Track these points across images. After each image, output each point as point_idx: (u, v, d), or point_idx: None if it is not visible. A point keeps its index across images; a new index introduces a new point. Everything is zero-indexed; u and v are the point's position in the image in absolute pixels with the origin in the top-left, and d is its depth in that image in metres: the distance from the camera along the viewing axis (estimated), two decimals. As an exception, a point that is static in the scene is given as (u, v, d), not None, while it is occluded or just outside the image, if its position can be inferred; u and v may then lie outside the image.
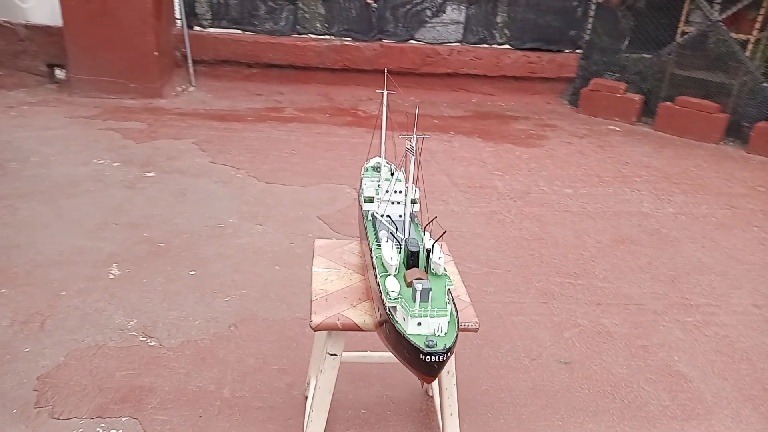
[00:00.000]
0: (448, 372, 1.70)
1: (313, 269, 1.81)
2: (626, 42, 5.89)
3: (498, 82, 6.25)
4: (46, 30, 5.44)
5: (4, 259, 2.83)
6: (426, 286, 1.30)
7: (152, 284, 2.75)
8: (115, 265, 2.88)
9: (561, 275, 3.10)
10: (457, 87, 6.24)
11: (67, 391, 2.08)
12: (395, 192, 1.77)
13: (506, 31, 6.18)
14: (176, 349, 2.35)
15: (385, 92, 2.05)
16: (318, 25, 5.95)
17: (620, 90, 5.81)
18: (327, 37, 5.96)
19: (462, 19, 6.06)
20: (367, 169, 1.98)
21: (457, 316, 1.34)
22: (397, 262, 1.43)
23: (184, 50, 5.74)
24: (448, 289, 1.39)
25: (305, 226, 3.42)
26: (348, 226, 3.44)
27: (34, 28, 5.49)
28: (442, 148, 4.88)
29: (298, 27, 5.91)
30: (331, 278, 1.75)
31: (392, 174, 1.85)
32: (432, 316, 1.26)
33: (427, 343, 1.23)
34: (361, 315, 1.57)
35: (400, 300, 1.30)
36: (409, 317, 1.26)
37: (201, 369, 2.25)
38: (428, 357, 1.20)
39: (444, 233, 1.57)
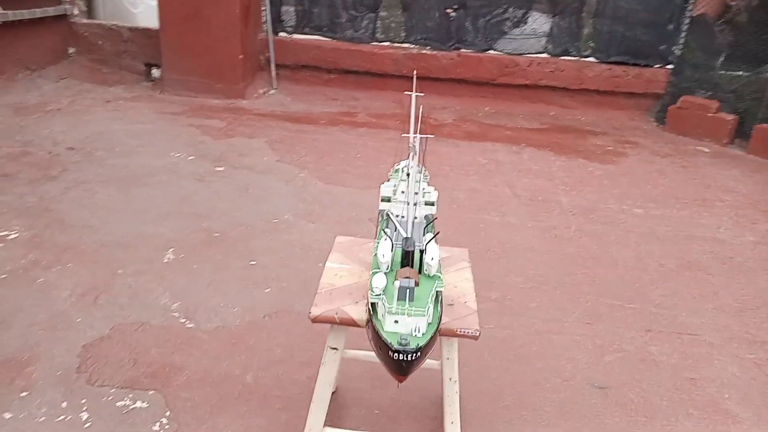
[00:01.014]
0: (450, 379, 1.67)
1: (327, 264, 1.84)
2: (722, 58, 5.50)
3: (579, 96, 6.03)
4: (146, 32, 5.88)
5: (76, 237, 3.09)
6: (407, 285, 1.29)
7: (201, 271, 2.89)
8: (171, 250, 3.05)
9: (613, 297, 2.94)
10: (536, 99, 6.09)
11: (106, 361, 2.24)
12: (414, 193, 1.76)
13: (591, 44, 5.96)
14: (211, 332, 2.46)
15: (414, 95, 2.05)
16: (396, 33, 6.03)
17: (712, 109, 5.42)
18: (404, 45, 6.01)
19: (544, 30, 5.91)
20: (396, 171, 1.98)
21: (440, 319, 1.32)
22: (389, 260, 1.43)
23: (268, 55, 6.00)
24: (437, 292, 1.37)
25: (355, 227, 3.47)
26: (397, 230, 3.45)
27: (136, 30, 5.95)
28: (510, 160, 4.78)
29: (377, 35, 6.01)
30: (342, 274, 1.76)
31: (408, 175, 1.84)
32: (410, 315, 1.25)
33: (400, 341, 1.21)
34: (360, 312, 1.57)
35: (381, 296, 1.30)
36: (387, 314, 1.26)
37: (230, 354, 2.34)
38: (396, 355, 1.19)
39: (437, 233, 1.54)
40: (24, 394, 2.06)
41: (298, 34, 6.08)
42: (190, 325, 2.49)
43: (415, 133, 1.62)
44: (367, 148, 4.81)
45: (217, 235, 3.24)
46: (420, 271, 1.43)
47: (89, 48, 6.07)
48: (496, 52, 5.99)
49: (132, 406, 2.04)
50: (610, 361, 2.47)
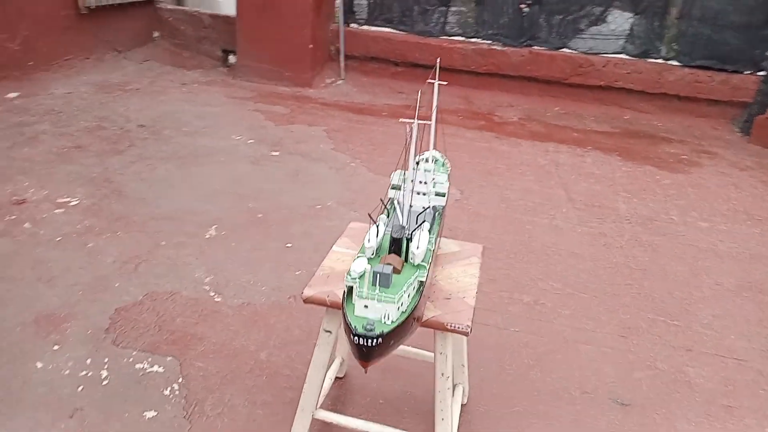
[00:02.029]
0: (442, 375, 1.62)
1: (333, 247, 1.84)
2: (822, 65, 5.02)
3: (657, 100, 5.70)
4: (225, 19, 6.11)
5: (130, 208, 3.27)
6: (382, 270, 1.27)
7: (239, 248, 2.98)
8: (214, 227, 3.17)
9: (655, 312, 2.76)
10: (610, 101, 5.81)
11: (133, 325, 2.36)
12: (420, 182, 1.74)
13: (674, 45, 5.61)
14: (235, 308, 2.53)
15: (437, 83, 2.01)
16: (467, 27, 5.93)
17: (806, 121, 4.96)
18: (474, 40, 5.91)
19: (623, 29, 5.62)
20: (418, 162, 1.95)
21: (416, 309, 1.28)
22: (374, 245, 1.41)
23: (338, 45, 6.08)
24: (420, 282, 1.34)
25: (396, 218, 3.45)
26: (438, 224, 3.40)
27: (216, 17, 6.21)
28: (571, 162, 4.59)
29: (447, 29, 5.94)
30: (344, 259, 1.76)
31: (417, 163, 1.81)
32: (379, 301, 1.23)
33: (365, 326, 1.19)
34: (352, 295, 1.56)
35: (356, 280, 1.28)
36: (357, 298, 1.24)
37: (249, 330, 2.40)
38: (357, 339, 1.17)
39: (421, 224, 1.48)
40: (56, 347, 2.20)
41: (369, 25, 6.11)
42: (218, 299, 2.58)
43: (427, 120, 1.59)
44: (423, 142, 4.76)
45: (260, 216, 3.33)
46: (406, 259, 1.40)
47: (172, 33, 6.40)
48: (570, 51, 5.76)
49: (149, 370, 2.14)
50: (640, 378, 2.33)
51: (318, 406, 1.84)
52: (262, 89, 5.76)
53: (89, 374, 2.09)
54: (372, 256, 1.41)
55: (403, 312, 1.25)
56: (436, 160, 2.10)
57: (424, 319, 1.52)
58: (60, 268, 2.68)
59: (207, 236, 3.07)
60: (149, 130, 4.44)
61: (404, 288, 1.27)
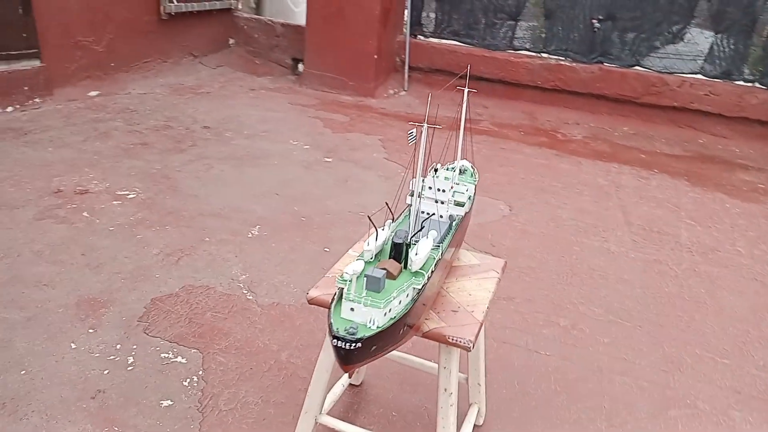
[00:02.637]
0: (445, 390, 1.57)
1: (348, 251, 1.83)
2: None
3: (736, 125, 5.34)
4: (296, 29, 6.29)
5: (181, 204, 3.40)
6: (374, 274, 1.24)
7: (277, 249, 3.03)
8: (257, 227, 3.24)
9: (704, 348, 2.57)
10: (683, 123, 5.51)
11: (165, 315, 2.44)
12: (438, 190, 1.70)
13: (759, 68, 5.25)
14: (265, 307, 2.57)
15: (467, 90, 1.97)
16: (535, 42, 5.81)
17: None
18: (542, 54, 5.77)
19: (702, 48, 5.32)
20: (436, 169, 1.91)
21: (406, 316, 1.25)
22: (373, 248, 1.38)
23: (403, 56, 6.11)
24: (415, 289, 1.30)
25: (439, 230, 3.40)
26: (479, 240, 3.33)
27: (287, 26, 6.40)
28: (634, 185, 4.38)
29: (514, 43, 5.84)
30: (357, 263, 1.74)
31: (435, 171, 1.78)
32: (365, 305, 1.20)
33: (348, 328, 1.17)
34: (356, 301, 1.54)
35: (347, 282, 1.26)
36: (344, 300, 1.22)
37: (275, 330, 2.43)
38: (335, 341, 1.15)
39: (408, 242, 1.43)
40: (91, 330, 2.31)
41: (436, 38, 6.11)
42: (250, 297, 2.63)
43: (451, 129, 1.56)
44: (479, 156, 4.69)
45: (303, 219, 3.38)
46: (406, 266, 1.37)
47: (246, 40, 6.65)
48: (643, 69, 5.52)
49: (172, 360, 2.21)
50: (675, 417, 2.16)
51: (326, 412, 1.83)
52: (326, 97, 5.87)
53: (117, 359, 2.18)
54: (371, 260, 1.39)
55: (391, 318, 1.21)
56: (465, 170, 2.06)
57: (426, 330, 1.48)
58: (108, 256, 2.82)
59: (249, 235, 3.15)
60: (212, 132, 4.61)
61: (395, 294, 1.23)
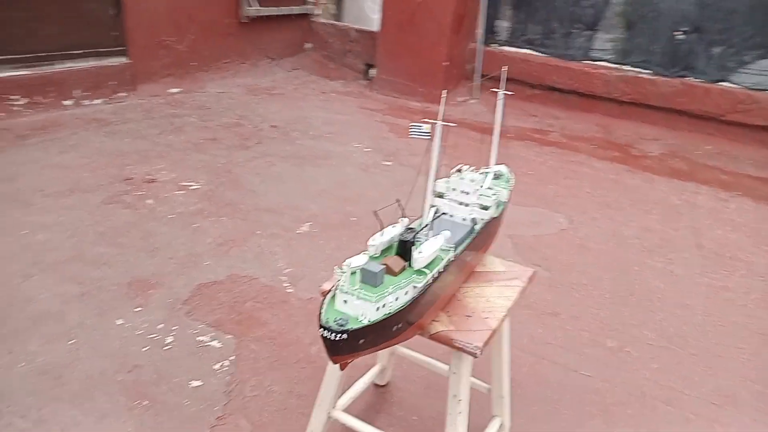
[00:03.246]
0: (454, 396, 1.53)
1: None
2: None
3: (836, 148, 4.90)
4: (370, 34, 6.38)
5: (239, 197, 3.52)
6: (371, 268, 1.23)
7: (324, 246, 3.07)
8: (308, 224, 3.30)
9: (766, 384, 2.36)
10: (775, 144, 5.10)
11: (208, 301, 2.53)
12: (462, 191, 1.67)
13: None
14: (303, 301, 2.61)
15: (502, 92, 1.93)
16: (613, 53, 5.58)
17: None
18: (620, 66, 5.54)
19: (800, 63, 4.92)
20: (459, 170, 1.86)
21: (403, 313, 1.22)
22: (378, 244, 1.37)
23: (475, 64, 6.05)
24: (415, 287, 1.28)
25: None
26: (532, 251, 3.23)
27: (362, 32, 6.50)
28: (710, 206, 4.10)
29: (591, 53, 5.64)
30: (379, 260, 1.74)
31: (459, 171, 1.74)
32: (358, 297, 1.19)
33: (337, 319, 1.16)
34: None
35: (345, 273, 1.26)
36: (338, 291, 1.22)
37: (309, 324, 2.46)
38: (321, 330, 1.14)
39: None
40: (138, 309, 2.43)
41: (509, 46, 6.01)
42: (290, 290, 2.67)
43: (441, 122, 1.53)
44: (544, 167, 4.56)
45: (353, 219, 3.41)
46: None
47: (322, 45, 6.82)
48: (730, 85, 5.17)
49: (208, 343, 2.28)
50: (722, 454, 2.00)
51: (344, 408, 1.83)
52: (394, 103, 5.91)
53: (157, 337, 2.28)
54: (376, 255, 1.38)
55: (385, 314, 1.20)
56: (500, 175, 2.01)
57: (433, 331, 1.45)
58: (164, 242, 2.96)
59: (299, 231, 3.21)
60: (279, 131, 4.75)
61: (390, 290, 1.22)
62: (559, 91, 5.77)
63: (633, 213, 3.88)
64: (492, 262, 1.81)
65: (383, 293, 1.20)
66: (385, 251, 1.40)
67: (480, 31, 5.97)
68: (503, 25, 6.02)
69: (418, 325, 1.36)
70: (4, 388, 1.96)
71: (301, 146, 4.48)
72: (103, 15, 4.82)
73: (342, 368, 1.30)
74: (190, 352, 2.23)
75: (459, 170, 1.74)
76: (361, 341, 1.17)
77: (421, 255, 1.32)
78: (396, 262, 1.32)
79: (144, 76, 5.20)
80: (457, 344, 1.41)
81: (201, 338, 2.30)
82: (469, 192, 1.67)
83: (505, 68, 2.13)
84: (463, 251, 1.52)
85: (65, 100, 4.62)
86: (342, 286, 1.21)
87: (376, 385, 2.17)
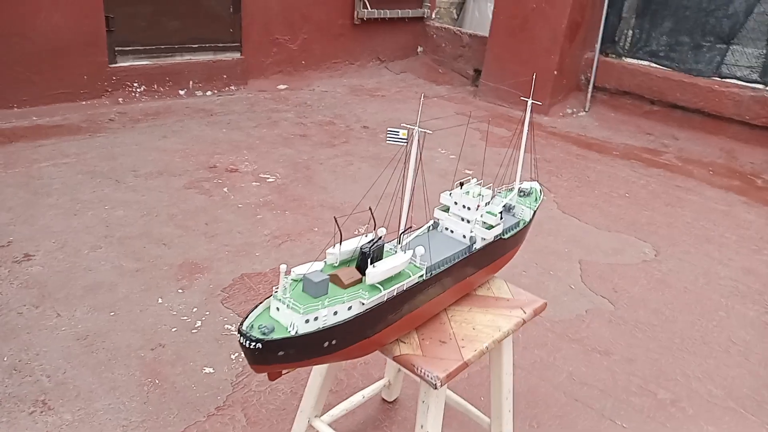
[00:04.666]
0: (421, 427, 1.41)
1: (373, 258, 1.74)
2: None
3: None
4: (482, 40, 6.22)
5: (308, 193, 3.58)
6: (312, 277, 1.17)
7: (376, 251, 3.02)
8: (365, 226, 3.27)
9: None
10: None
11: (246, 290, 2.59)
12: (463, 206, 1.55)
13: None
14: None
15: (530, 101, 1.77)
16: (750, 70, 4.94)
17: None
18: (756, 86, 4.89)
19: None
20: (462, 183, 1.73)
21: (335, 329, 1.14)
22: (338, 252, 1.30)
23: (589, 75, 5.67)
24: (362, 303, 1.19)
25: (557, 262, 3.09)
26: (600, 281, 2.95)
27: (474, 37, 6.36)
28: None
29: (722, 69, 5.05)
30: (373, 271, 1.66)
31: (461, 185, 1.61)
32: (288, 306, 1.13)
33: (261, 327, 1.11)
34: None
35: (287, 281, 1.20)
36: (273, 298, 1.17)
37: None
38: (239, 336, 1.10)
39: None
40: (180, 291, 2.55)
41: (629, 57, 5.55)
42: (328, 291, 2.66)
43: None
44: (645, 191, 4.15)
45: (415, 225, 3.32)
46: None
47: (433, 49, 6.76)
48: None
49: (233, 332, 2.33)
50: None
51: (332, 418, 1.78)
52: (496, 110, 5.71)
53: (187, 320, 2.37)
54: (335, 264, 1.31)
55: (318, 328, 1.12)
56: (529, 192, 1.85)
57: (397, 353, 1.35)
58: (225, 229, 3.08)
59: (356, 232, 3.19)
60: (369, 132, 4.78)
61: (326, 303, 1.14)
62: (682, 109, 5.23)
63: (737, 251, 3.41)
64: (500, 287, 1.66)
65: (315, 306, 1.13)
66: (348, 262, 1.33)
67: (598, 39, 5.58)
68: (624, 35, 5.57)
69: (369, 343, 1.27)
70: (42, 347, 2.14)
71: (384, 148, 4.46)
72: (223, 12, 5.15)
73: (270, 378, 1.25)
74: (215, 338, 2.29)
75: (461, 184, 1.61)
76: (281, 353, 1.11)
77: (374, 270, 1.23)
78: (349, 274, 1.25)
79: (255, 72, 5.49)
80: (417, 371, 1.30)
81: (228, 326, 2.36)
82: (471, 207, 1.54)
83: (534, 74, 1.93)
84: (447, 270, 1.40)
85: (180, 89, 5.00)
86: (276, 293, 1.17)
87: (384, 401, 2.09)
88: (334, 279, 1.24)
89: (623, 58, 5.58)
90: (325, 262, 1.32)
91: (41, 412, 1.88)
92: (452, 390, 1.90)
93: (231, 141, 4.25)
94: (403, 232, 1.43)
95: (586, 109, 5.72)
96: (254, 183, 3.64)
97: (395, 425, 2.00)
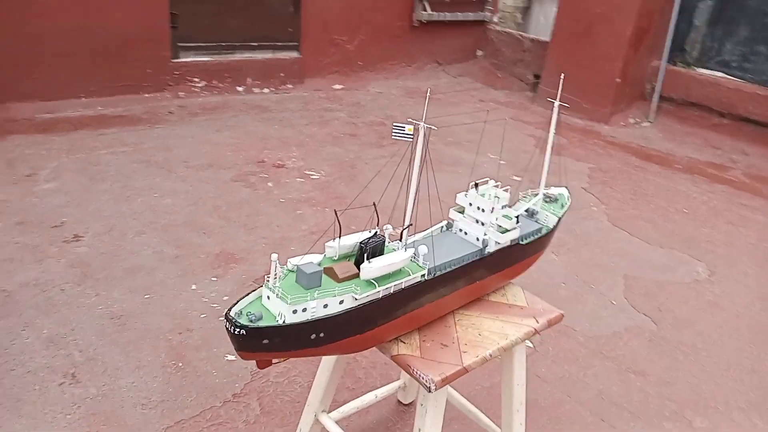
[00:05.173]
0: (419, 430, 1.38)
1: (389, 256, 1.72)
2: None
3: None
4: (544, 45, 6.07)
5: (349, 192, 3.60)
6: (305, 269, 1.16)
7: (411, 253, 3.00)
8: (398, 228, 3.24)
9: None
10: None
11: (275, 283, 2.62)
12: (477, 208, 1.51)
13: None
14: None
15: (557, 103, 1.71)
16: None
17: None
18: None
19: None
20: (477, 185, 1.66)
21: (323, 322, 1.13)
22: (337, 246, 1.29)
23: (654, 84, 5.43)
24: (355, 299, 1.17)
25: (600, 276, 2.97)
26: (645, 299, 2.81)
27: (536, 42, 6.21)
28: None
29: (802, 81, 4.71)
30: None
31: (476, 186, 1.57)
32: (277, 296, 1.13)
33: (249, 314, 1.12)
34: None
35: (283, 270, 1.21)
36: (264, 287, 1.17)
37: (361, 325, 2.42)
38: (225, 320, 1.10)
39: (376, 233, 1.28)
40: (214, 279, 2.62)
41: (699, 67, 5.28)
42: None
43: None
44: (704, 207, 3.93)
45: (454, 230, 3.27)
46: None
47: (493, 53, 6.66)
48: None
49: (258, 323, 2.36)
50: None
51: (342, 415, 1.77)
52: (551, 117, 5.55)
53: (217, 308, 2.43)
54: (335, 258, 1.30)
55: (304, 319, 1.12)
56: (555, 199, 1.79)
57: (395, 353, 1.32)
58: (265, 222, 3.14)
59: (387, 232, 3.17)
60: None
61: (316, 295, 1.14)
62: (755, 123, 4.92)
63: (806, 277, 3.16)
64: (515, 294, 1.60)
65: (303, 296, 1.13)
66: (349, 257, 1.32)
67: (666, 47, 5.34)
68: (694, 43, 5.30)
69: (363, 339, 1.25)
70: (78, 323, 2.24)
71: (432, 150, 4.40)
72: (283, 12, 5.26)
73: (259, 366, 1.25)
74: (240, 327, 2.33)
75: (476, 185, 1.57)
76: (266, 342, 1.12)
77: (369, 266, 1.21)
78: (345, 268, 1.24)
79: (312, 71, 5.57)
80: (413, 372, 1.27)
81: (254, 317, 2.39)
82: (485, 209, 1.50)
83: (562, 75, 1.87)
84: (454, 272, 1.37)
85: (238, 86, 5.15)
86: (267, 282, 1.17)
87: (399, 402, 2.06)
88: (330, 272, 1.23)
89: (692, 67, 5.30)
90: (324, 255, 1.31)
91: (69, 383, 1.97)
92: (469, 399, 1.86)
93: (282, 137, 4.33)
94: (404, 229, 1.40)
95: (650, 120, 5.47)
96: (299, 179, 3.70)
97: (407, 428, 1.97)
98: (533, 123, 5.35)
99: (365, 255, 1.26)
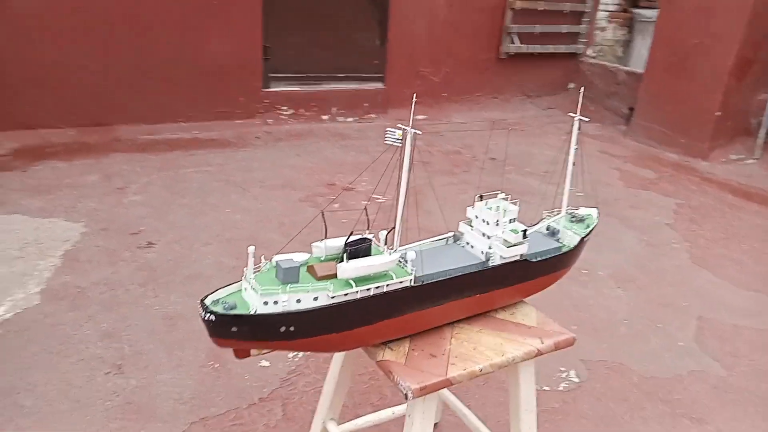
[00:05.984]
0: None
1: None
2: None
3: None
4: (638, 77, 5.81)
5: (410, 215, 3.59)
6: (283, 264, 1.20)
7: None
8: (463, 253, 3.20)
9: None
10: None
11: (321, 298, 2.68)
12: (483, 221, 1.48)
13: None
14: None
15: (577, 117, 1.65)
16: None
17: None
18: None
19: None
20: (482, 197, 1.63)
21: (292, 316, 1.15)
22: (324, 246, 1.31)
23: (761, 118, 5.00)
24: (329, 296, 1.18)
25: (669, 315, 2.75)
26: (720, 343, 2.55)
27: (630, 74, 5.97)
28: None
29: None
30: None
31: (482, 198, 1.53)
32: (252, 288, 1.17)
33: (224, 302, 1.16)
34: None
35: (265, 265, 1.25)
36: (243, 279, 1.22)
37: (398, 345, 2.40)
38: (199, 306, 1.15)
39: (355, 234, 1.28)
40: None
41: (815, 99, 4.80)
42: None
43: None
44: (759, 230, 3.53)
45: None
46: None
47: (586, 85, 6.42)
48: None
49: (297, 334, 2.42)
50: None
51: (354, 428, 1.77)
52: (645, 151, 5.27)
53: (261, 316, 2.51)
54: (321, 258, 1.33)
55: (273, 311, 1.15)
56: (581, 219, 1.71)
57: (380, 358, 1.31)
58: (316, 237, 3.22)
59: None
60: (494, 163, 4.70)
61: (288, 288, 1.16)
62: None
63: None
64: (526, 314, 1.53)
65: (274, 290, 1.16)
66: (335, 258, 1.34)
67: (774, 78, 4.93)
68: (809, 73, 4.85)
69: (339, 338, 1.25)
70: (134, 321, 2.41)
71: (506, 180, 4.34)
72: (370, 45, 5.47)
73: (237, 356, 1.28)
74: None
75: (481, 197, 1.54)
76: (234, 329, 1.15)
77: (346, 265, 1.22)
78: (325, 267, 1.26)
79: (395, 102, 5.71)
80: (393, 378, 1.25)
81: (295, 328, 2.45)
82: (490, 222, 1.46)
83: (581, 87, 1.80)
84: (448, 282, 1.35)
85: (323, 114, 5.38)
86: (246, 274, 1.22)
87: (421, 423, 2.01)
88: (311, 270, 1.26)
89: (807, 99, 4.84)
90: (311, 254, 1.34)
91: (115, 374, 2.12)
92: (484, 420, 1.78)
93: (356, 163, 4.45)
94: (388, 233, 1.40)
95: (756, 156, 5.03)
96: (363, 201, 3.77)
97: (425, 450, 1.91)
98: (622, 156, 5.11)
99: (345, 255, 1.27)
